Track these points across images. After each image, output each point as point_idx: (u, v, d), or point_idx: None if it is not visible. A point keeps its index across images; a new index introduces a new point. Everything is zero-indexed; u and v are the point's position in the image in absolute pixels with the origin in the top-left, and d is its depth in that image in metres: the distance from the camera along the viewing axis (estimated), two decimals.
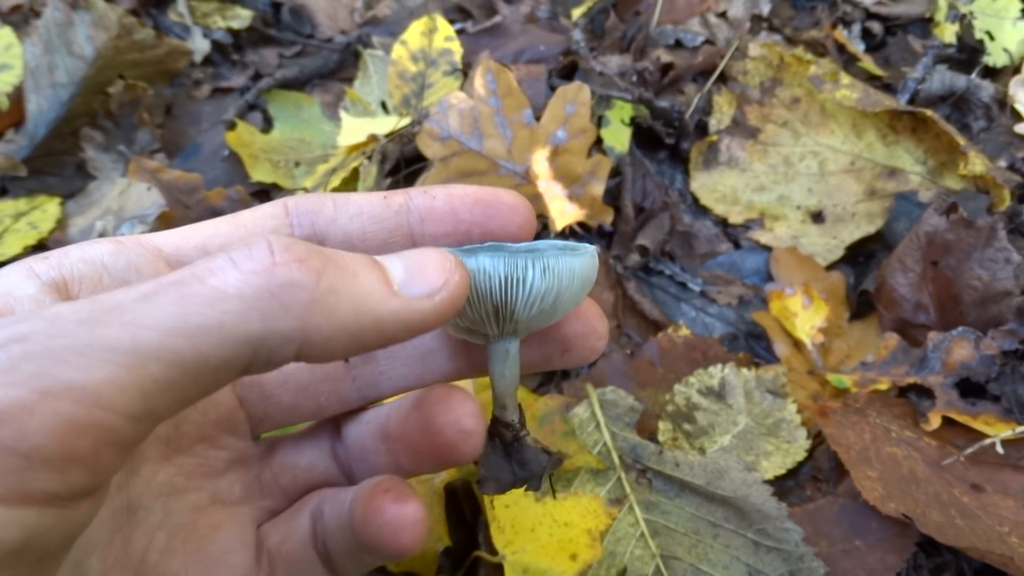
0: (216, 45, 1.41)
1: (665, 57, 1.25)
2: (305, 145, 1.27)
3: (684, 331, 0.97)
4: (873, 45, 1.38)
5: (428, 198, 0.45)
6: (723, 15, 1.37)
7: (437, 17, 1.28)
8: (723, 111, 1.20)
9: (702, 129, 1.21)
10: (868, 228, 1.10)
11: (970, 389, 0.86)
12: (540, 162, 1.10)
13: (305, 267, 0.33)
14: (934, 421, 0.83)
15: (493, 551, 0.71)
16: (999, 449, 0.78)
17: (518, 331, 0.45)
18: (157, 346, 0.30)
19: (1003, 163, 1.09)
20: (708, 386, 0.89)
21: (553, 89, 1.17)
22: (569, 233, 1.10)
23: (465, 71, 1.26)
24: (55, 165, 1.21)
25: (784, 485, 0.84)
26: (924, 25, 1.38)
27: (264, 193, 1.19)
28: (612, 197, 1.15)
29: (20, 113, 1.20)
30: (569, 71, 1.31)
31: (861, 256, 1.11)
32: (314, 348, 0.34)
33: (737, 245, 1.14)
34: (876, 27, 1.39)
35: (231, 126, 1.25)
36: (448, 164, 1.10)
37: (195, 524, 0.44)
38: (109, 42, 1.19)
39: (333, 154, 1.21)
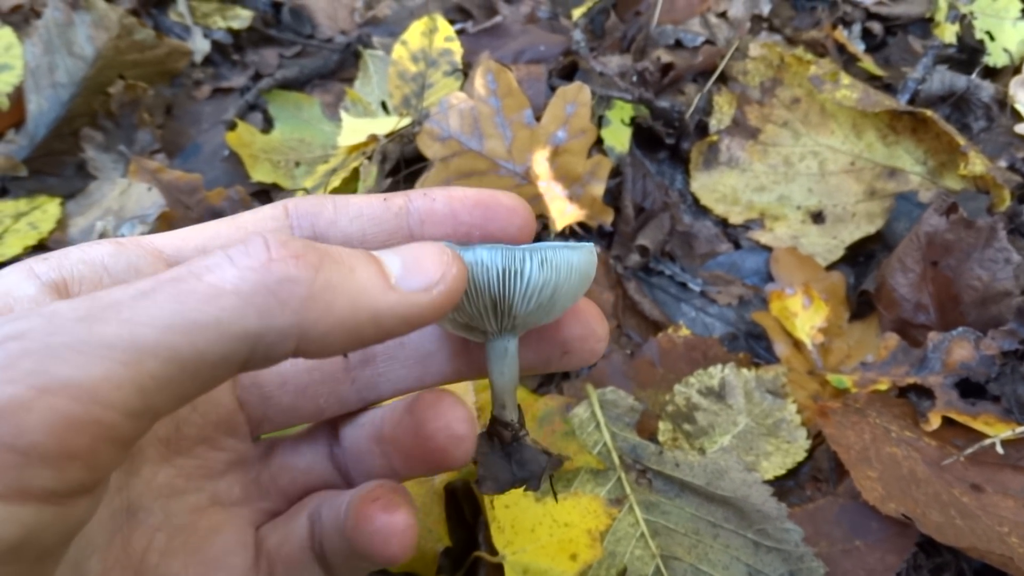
0: (216, 45, 1.41)
1: (665, 57, 1.25)
2: (305, 145, 1.27)
3: (684, 331, 0.97)
4: (873, 45, 1.38)
5: (428, 200, 0.45)
6: (723, 15, 1.37)
7: (437, 17, 1.28)
8: (723, 111, 1.20)
9: (702, 129, 1.21)
10: (868, 228, 1.10)
11: (970, 389, 0.86)
12: (540, 162, 1.10)
13: (301, 263, 0.33)
14: (934, 421, 0.83)
15: (493, 551, 0.71)
16: (999, 449, 0.78)
17: (516, 327, 0.45)
18: (154, 343, 0.30)
19: (1003, 163, 1.09)
20: (708, 386, 0.89)
21: (553, 89, 1.17)
22: (569, 233, 1.10)
23: (465, 71, 1.26)
24: (55, 165, 1.21)
25: (784, 485, 0.84)
26: (924, 25, 1.38)
27: (264, 193, 1.19)
28: (612, 197, 1.15)
29: (20, 113, 1.20)
30: (569, 71, 1.31)
31: (861, 256, 1.11)
32: (312, 343, 0.34)
33: (737, 245, 1.14)
34: (876, 27, 1.39)
35: (231, 126, 1.25)
36: (448, 164, 1.10)
37: (195, 525, 0.44)
38: (109, 42, 1.19)
39: (333, 154, 1.21)
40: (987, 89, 1.19)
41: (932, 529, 0.71)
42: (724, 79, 1.23)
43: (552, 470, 0.47)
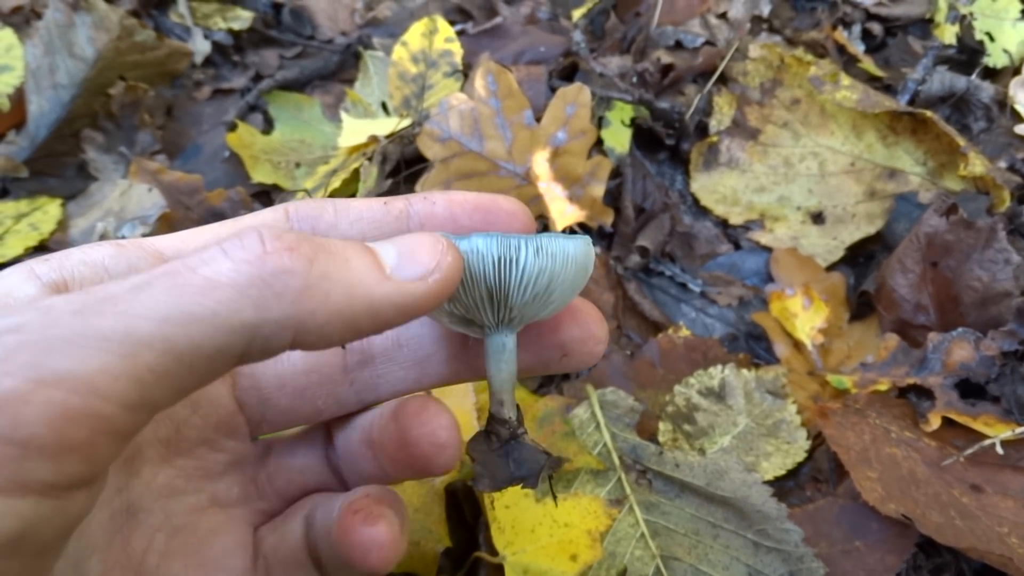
0: (217, 46, 1.41)
1: (665, 58, 1.25)
2: (306, 146, 1.27)
3: (684, 332, 0.97)
4: (873, 46, 1.38)
5: (428, 204, 0.46)
6: (723, 16, 1.37)
7: (437, 18, 1.28)
8: (723, 112, 1.20)
9: (702, 130, 1.21)
10: (868, 229, 1.10)
11: (970, 390, 0.86)
12: (540, 163, 1.10)
13: (296, 254, 0.34)
14: (934, 422, 0.83)
15: (493, 552, 0.71)
16: (999, 450, 0.78)
17: (514, 320, 0.45)
18: (150, 335, 0.30)
19: (1003, 164, 1.09)
20: (708, 387, 0.89)
21: (553, 90, 1.17)
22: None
23: (465, 72, 1.26)
24: (56, 166, 1.22)
25: (784, 486, 0.84)
26: (924, 26, 1.38)
27: (265, 194, 1.19)
28: (612, 198, 1.15)
29: (21, 114, 1.20)
30: (569, 72, 1.31)
31: (861, 257, 1.11)
32: (310, 335, 0.34)
33: (737, 246, 1.14)
34: (876, 28, 1.39)
35: (232, 127, 1.25)
36: (448, 165, 1.10)
37: (194, 526, 0.45)
38: (110, 43, 1.20)
39: (334, 155, 1.21)
40: (987, 90, 1.19)
41: (932, 530, 0.71)
42: (724, 80, 1.23)
43: (551, 470, 0.47)
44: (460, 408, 0.80)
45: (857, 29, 1.38)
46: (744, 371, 0.90)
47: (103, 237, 1.04)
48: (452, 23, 1.33)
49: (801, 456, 0.84)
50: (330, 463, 0.50)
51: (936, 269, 0.95)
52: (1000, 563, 0.69)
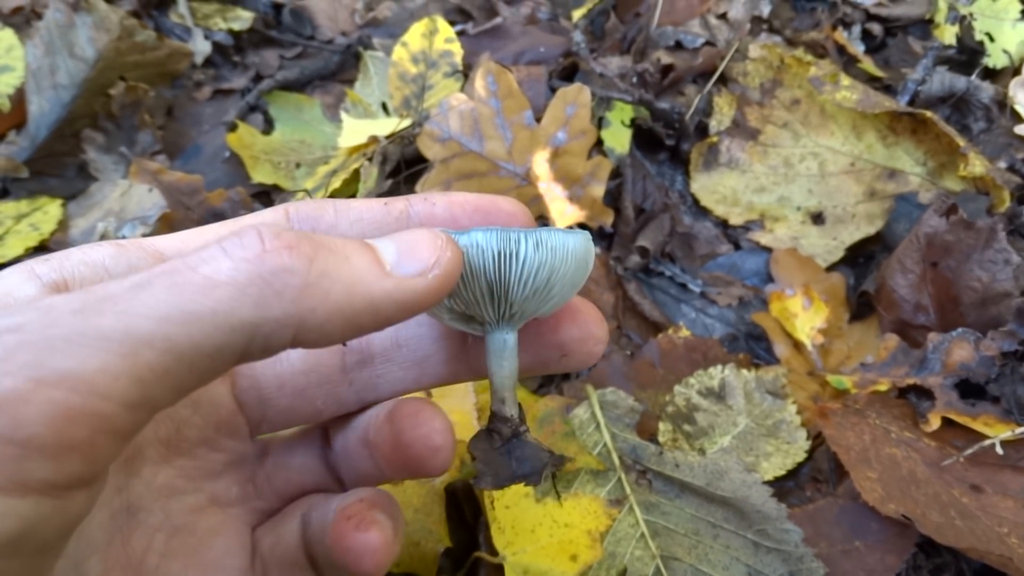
0: (217, 47, 1.42)
1: (665, 58, 1.25)
2: (306, 146, 1.27)
3: (684, 332, 0.97)
4: (873, 46, 1.38)
5: (428, 205, 0.46)
6: (723, 16, 1.37)
7: (437, 19, 1.29)
8: (723, 112, 1.20)
9: (702, 130, 1.21)
10: (868, 229, 1.10)
11: (970, 390, 0.86)
12: (540, 163, 1.10)
13: (295, 252, 0.34)
14: (934, 422, 0.83)
15: (493, 552, 0.71)
16: (998, 450, 0.78)
17: (514, 316, 0.45)
18: (150, 334, 0.30)
19: (1003, 164, 1.09)
20: (708, 387, 0.89)
21: (553, 91, 1.17)
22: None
23: (466, 73, 1.27)
24: (56, 166, 1.22)
25: (784, 486, 0.84)
26: (924, 26, 1.38)
27: (265, 194, 1.19)
28: (612, 198, 1.15)
29: (22, 115, 1.20)
30: (569, 73, 1.31)
31: (861, 257, 1.11)
32: (310, 333, 0.34)
33: (737, 246, 1.14)
34: (876, 28, 1.39)
35: (232, 127, 1.25)
36: (449, 165, 1.10)
37: (194, 526, 0.45)
38: (110, 44, 1.20)
39: (334, 155, 1.21)
40: (987, 90, 1.19)
41: (932, 530, 0.71)
42: (724, 80, 1.23)
43: (554, 469, 0.47)
44: (460, 408, 0.80)
45: (857, 29, 1.38)
46: (744, 371, 0.90)
47: (103, 237, 1.04)
48: (452, 23, 1.33)
49: (801, 456, 0.84)
50: (327, 463, 0.50)
51: (936, 269, 0.95)
52: (1000, 563, 0.69)
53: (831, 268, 1.09)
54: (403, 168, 1.18)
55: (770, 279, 1.09)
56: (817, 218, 1.13)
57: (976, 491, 0.76)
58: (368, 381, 0.48)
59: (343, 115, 1.22)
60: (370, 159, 1.11)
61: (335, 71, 1.40)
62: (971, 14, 1.29)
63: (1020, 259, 0.90)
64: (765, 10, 1.38)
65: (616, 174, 1.15)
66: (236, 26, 1.43)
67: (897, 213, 1.08)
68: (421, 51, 1.27)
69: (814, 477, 0.85)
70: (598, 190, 1.11)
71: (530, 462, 0.46)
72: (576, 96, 1.11)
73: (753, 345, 1.03)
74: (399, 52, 1.27)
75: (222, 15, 1.45)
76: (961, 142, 1.05)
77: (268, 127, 1.31)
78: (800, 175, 1.15)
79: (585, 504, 0.76)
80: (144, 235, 1.03)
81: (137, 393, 0.30)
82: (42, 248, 1.06)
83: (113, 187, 1.15)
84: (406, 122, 1.16)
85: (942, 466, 0.79)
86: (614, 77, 1.20)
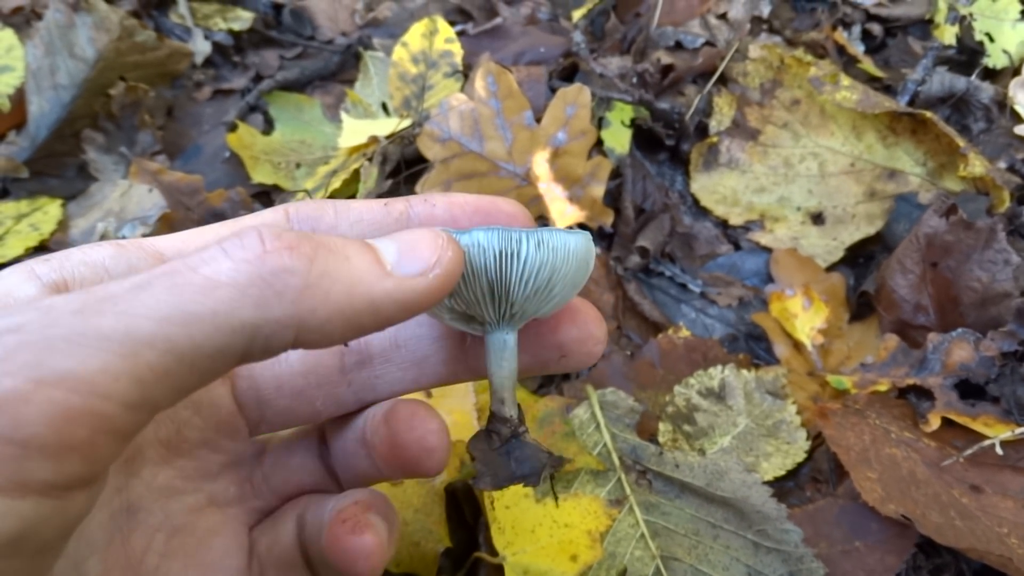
0: (217, 47, 1.42)
1: (665, 59, 1.25)
2: (306, 147, 1.27)
3: (684, 332, 0.98)
4: (873, 47, 1.39)
5: (428, 206, 0.46)
6: (723, 17, 1.37)
7: (438, 19, 1.29)
8: (723, 112, 1.20)
9: (702, 131, 1.21)
10: (868, 229, 1.10)
11: (970, 390, 0.86)
12: (540, 164, 1.10)
13: (296, 253, 0.34)
14: (934, 422, 0.83)
15: (493, 552, 0.71)
16: (998, 450, 0.78)
17: (515, 316, 0.45)
18: (151, 334, 0.30)
19: (1003, 165, 1.09)
20: (708, 387, 0.89)
21: (553, 91, 1.17)
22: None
23: (466, 73, 1.27)
24: (56, 167, 1.22)
25: (784, 486, 0.84)
26: (924, 27, 1.38)
27: (265, 195, 1.19)
28: (612, 199, 1.15)
29: (22, 115, 1.21)
30: (569, 73, 1.31)
31: (861, 257, 1.11)
32: (311, 333, 0.34)
33: (737, 246, 1.14)
34: (876, 29, 1.39)
35: (232, 128, 1.25)
36: (449, 166, 1.10)
37: (193, 526, 0.45)
38: (110, 44, 1.20)
39: (334, 156, 1.21)
40: (987, 90, 1.19)
41: (932, 530, 0.71)
42: (724, 80, 1.23)
43: (553, 469, 0.47)
44: (460, 408, 0.80)
45: (857, 30, 1.38)
46: (744, 372, 0.90)
47: (103, 237, 1.04)
48: (452, 24, 1.33)
49: (801, 456, 0.84)
50: (324, 462, 0.50)
51: (936, 270, 0.95)
52: (1000, 563, 0.69)
53: (831, 268, 1.09)
54: (403, 168, 1.18)
55: (770, 279, 1.09)
56: (817, 218, 1.13)
57: (976, 491, 0.76)
58: (367, 382, 0.48)
59: (343, 115, 1.22)
60: (370, 159, 1.11)
61: (335, 71, 1.40)
62: (971, 14, 1.29)
63: (1020, 259, 0.90)
64: (765, 10, 1.38)
65: (616, 174, 1.15)
66: (236, 26, 1.43)
67: (897, 213, 1.08)
68: (421, 51, 1.27)
69: (814, 477, 0.85)
70: (598, 190, 1.11)
71: (529, 463, 0.46)
72: (576, 96, 1.11)
73: (753, 345, 1.03)
74: (399, 52, 1.27)
75: (222, 15, 1.45)
76: (961, 142, 1.05)
77: (268, 127, 1.31)
78: (800, 175, 1.15)
79: (585, 504, 0.76)
80: (144, 235, 1.03)
81: (137, 393, 0.30)
82: (42, 248, 1.06)
83: (113, 187, 1.15)
84: (406, 122, 1.16)
85: (942, 466, 0.79)
86: (614, 77, 1.20)
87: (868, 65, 1.29)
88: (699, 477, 0.77)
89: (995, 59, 1.25)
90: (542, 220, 1.09)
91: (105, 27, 1.19)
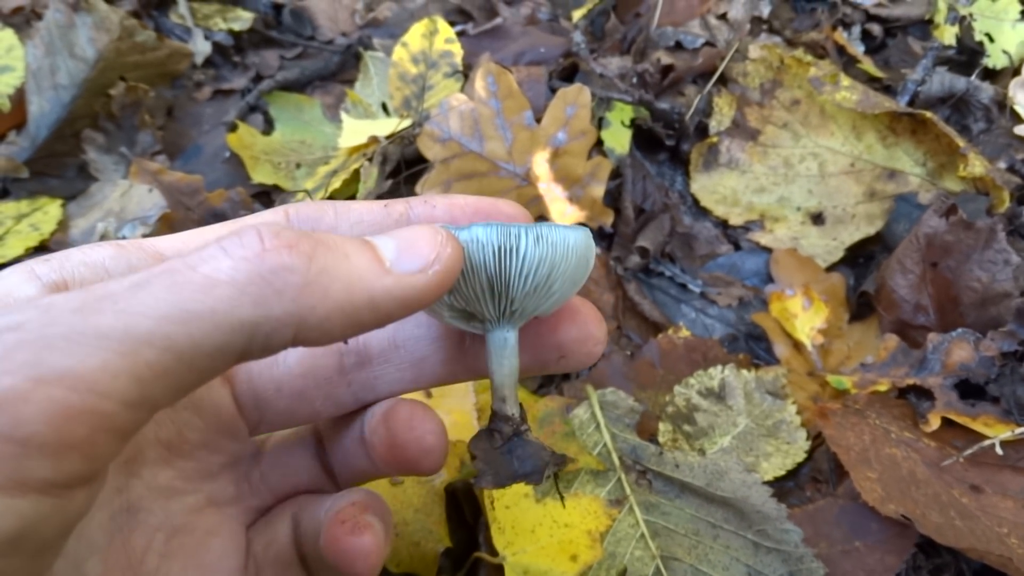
0: (217, 47, 1.42)
1: (665, 59, 1.26)
2: (306, 147, 1.27)
3: (684, 332, 0.98)
4: (873, 47, 1.39)
5: (428, 207, 0.46)
6: (723, 17, 1.37)
7: (438, 19, 1.29)
8: (723, 113, 1.20)
9: (702, 131, 1.21)
10: (868, 230, 1.10)
11: (969, 390, 0.86)
12: (540, 164, 1.10)
13: (295, 251, 0.34)
14: (934, 422, 0.83)
15: (493, 552, 0.71)
16: (998, 450, 0.78)
17: (515, 314, 0.44)
18: (150, 332, 0.30)
19: (1002, 165, 1.09)
20: (708, 387, 0.89)
21: (553, 91, 1.17)
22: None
23: (466, 73, 1.27)
24: (57, 167, 1.22)
25: (784, 486, 0.84)
26: (924, 27, 1.39)
27: (265, 195, 1.19)
28: (612, 199, 1.15)
29: (22, 115, 1.21)
30: (569, 73, 1.31)
31: (861, 257, 1.11)
32: (311, 331, 0.34)
33: (737, 247, 1.14)
34: (876, 29, 1.39)
35: (232, 128, 1.25)
36: (449, 166, 1.10)
37: (192, 526, 0.45)
38: (111, 44, 1.20)
39: (334, 156, 1.22)
40: (986, 91, 1.19)
41: (931, 530, 0.71)
42: (724, 81, 1.23)
43: (556, 468, 0.47)
44: (460, 408, 0.81)
45: (857, 30, 1.38)
46: (744, 372, 0.90)
47: (103, 237, 1.04)
48: (452, 24, 1.33)
49: (801, 456, 0.84)
50: (321, 460, 0.51)
51: (936, 270, 0.95)
52: (999, 563, 0.69)
53: (831, 268, 1.09)
54: (403, 168, 1.18)
55: (770, 279, 1.09)
56: (817, 218, 1.13)
57: (976, 491, 0.76)
58: (366, 382, 0.49)
59: (343, 115, 1.22)
60: (370, 159, 1.11)
61: (335, 71, 1.40)
62: (971, 14, 1.29)
63: (1020, 259, 0.90)
64: (765, 11, 1.38)
65: (616, 174, 1.15)
66: (236, 26, 1.43)
67: (897, 213, 1.08)
68: (421, 51, 1.27)
69: (814, 477, 0.85)
70: (598, 190, 1.11)
71: (531, 461, 0.46)
72: (576, 96, 1.11)
73: (753, 345, 1.03)
74: (399, 52, 1.27)
75: (222, 15, 1.45)
76: (961, 142, 1.05)
77: (268, 127, 1.31)
78: (800, 175, 1.15)
79: (585, 504, 0.76)
80: (144, 235, 1.03)
81: (136, 392, 0.30)
82: (42, 248, 1.06)
83: (113, 187, 1.15)
84: (406, 122, 1.16)
85: (942, 466, 0.79)
86: (614, 77, 1.20)
87: (868, 65, 1.29)
88: (699, 477, 0.77)
89: (995, 59, 1.25)
90: (542, 220, 1.10)
91: (105, 27, 1.19)
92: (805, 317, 1.01)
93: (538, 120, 1.12)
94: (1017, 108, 1.16)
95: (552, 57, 1.30)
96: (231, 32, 1.43)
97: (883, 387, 0.89)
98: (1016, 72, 1.20)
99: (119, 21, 1.19)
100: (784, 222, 1.13)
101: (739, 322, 1.06)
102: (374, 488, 0.73)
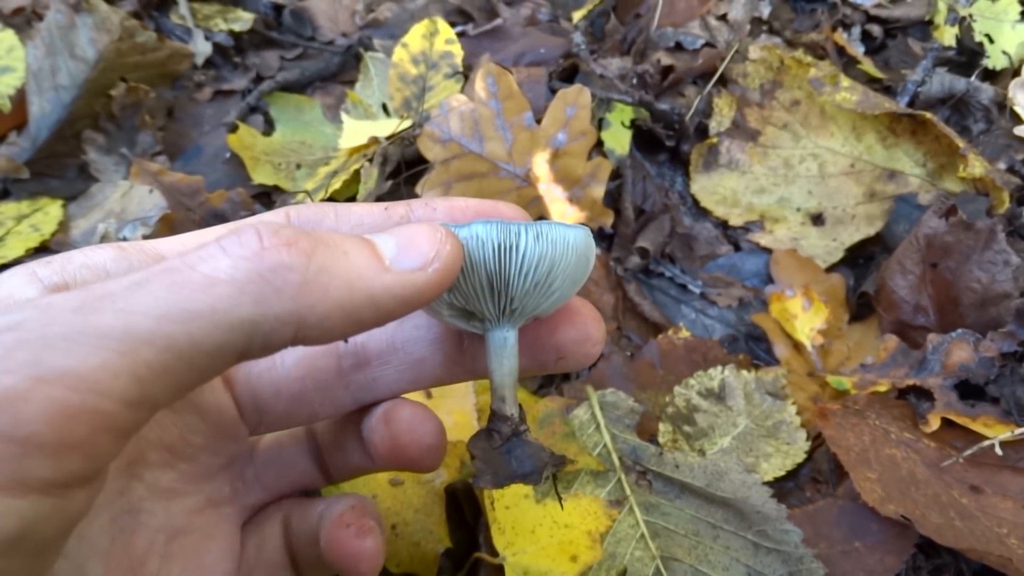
0: (218, 47, 1.42)
1: (665, 60, 1.26)
2: (306, 147, 1.27)
3: (684, 333, 0.98)
4: (873, 48, 1.39)
5: (429, 210, 0.46)
6: (723, 18, 1.37)
7: (438, 20, 1.29)
8: (723, 113, 1.20)
9: (702, 131, 1.21)
10: (868, 230, 1.10)
11: (969, 391, 0.86)
12: (541, 164, 1.10)
13: (294, 249, 0.34)
14: (933, 423, 0.83)
15: (494, 552, 0.71)
16: (998, 451, 0.78)
17: (515, 312, 0.44)
18: (150, 332, 0.30)
19: (1002, 165, 1.09)
20: (708, 388, 0.89)
21: (553, 92, 1.17)
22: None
23: (466, 74, 1.27)
24: (57, 167, 1.22)
25: (784, 487, 0.84)
26: (924, 28, 1.39)
27: (265, 195, 1.20)
28: (612, 199, 1.15)
29: (22, 115, 1.21)
30: (570, 74, 1.31)
31: (861, 258, 1.11)
32: (312, 329, 0.34)
33: (737, 247, 1.14)
34: (876, 30, 1.39)
35: (232, 128, 1.25)
36: (449, 166, 1.10)
37: (191, 527, 0.45)
38: (111, 45, 1.20)
39: (334, 156, 1.22)
40: (986, 91, 1.19)
41: (931, 530, 0.71)
42: (724, 81, 1.23)
43: (555, 469, 0.47)
44: (460, 408, 0.81)
45: (857, 31, 1.38)
46: (744, 372, 0.90)
47: (104, 238, 1.04)
48: (452, 24, 1.33)
49: (801, 457, 0.85)
50: (315, 456, 0.51)
51: (936, 270, 0.95)
52: (999, 564, 0.69)
53: (831, 269, 1.09)
54: (403, 169, 1.18)
55: (770, 280, 1.09)
56: (817, 219, 1.13)
57: (976, 492, 0.77)
58: (365, 384, 0.49)
59: (343, 116, 1.22)
60: (370, 160, 1.12)
61: (335, 72, 1.40)
62: (971, 15, 1.29)
63: (1020, 260, 0.90)
64: (765, 11, 1.38)
65: (616, 175, 1.15)
66: (237, 27, 1.43)
67: (897, 214, 1.08)
68: (421, 52, 1.27)
69: (814, 478, 0.85)
70: (598, 191, 1.11)
71: (530, 461, 0.46)
72: (576, 97, 1.11)
73: (753, 346, 1.03)
74: (399, 53, 1.27)
75: (223, 16, 1.45)
76: (961, 143, 1.05)
77: (269, 128, 1.31)
78: (800, 176, 1.16)
79: (585, 505, 0.76)
80: (145, 236, 1.03)
81: (136, 391, 0.30)
82: (43, 249, 1.06)
83: (114, 188, 1.15)
84: (406, 123, 1.16)
85: (942, 467, 0.79)
86: (614, 78, 1.20)
87: (868, 66, 1.29)
88: (699, 478, 0.77)
89: (995, 60, 1.25)
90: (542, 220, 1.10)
91: (106, 28, 1.19)
92: (805, 318, 1.01)
93: (538, 121, 1.12)
94: (1017, 109, 1.16)
95: (552, 58, 1.31)
96: (231, 33, 1.43)
97: (883, 388, 0.89)
98: (1016, 73, 1.20)
99: (120, 22, 1.19)
100: (784, 223, 1.13)
101: (739, 323, 1.06)
102: (374, 488, 0.73)
